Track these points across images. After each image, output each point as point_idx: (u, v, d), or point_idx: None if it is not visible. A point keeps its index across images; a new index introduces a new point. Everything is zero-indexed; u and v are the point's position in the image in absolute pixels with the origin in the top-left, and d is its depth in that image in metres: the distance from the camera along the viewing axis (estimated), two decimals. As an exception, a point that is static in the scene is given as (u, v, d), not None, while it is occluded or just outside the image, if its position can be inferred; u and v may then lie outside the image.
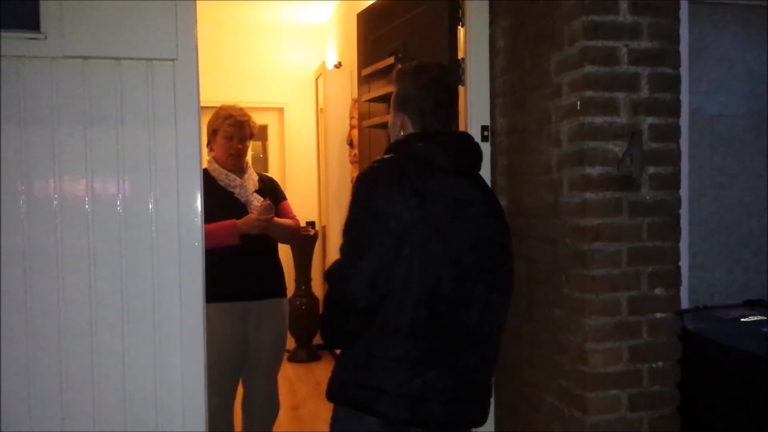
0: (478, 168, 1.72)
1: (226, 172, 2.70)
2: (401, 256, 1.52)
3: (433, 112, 1.69)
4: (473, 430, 1.71)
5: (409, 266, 1.52)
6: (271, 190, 2.86)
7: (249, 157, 2.90)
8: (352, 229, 1.59)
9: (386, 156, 1.66)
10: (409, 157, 1.62)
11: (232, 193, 2.70)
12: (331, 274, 1.60)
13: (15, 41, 1.77)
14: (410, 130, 1.71)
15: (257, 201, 2.71)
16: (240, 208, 2.68)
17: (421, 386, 1.54)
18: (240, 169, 2.77)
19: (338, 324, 1.61)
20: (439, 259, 1.55)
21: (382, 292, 1.53)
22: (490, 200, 1.70)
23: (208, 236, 2.37)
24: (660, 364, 1.82)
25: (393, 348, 1.55)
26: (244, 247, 2.60)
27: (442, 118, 1.70)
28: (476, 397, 1.65)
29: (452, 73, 1.79)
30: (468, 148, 1.70)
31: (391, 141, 1.75)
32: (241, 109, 2.77)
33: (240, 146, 2.74)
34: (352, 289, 1.54)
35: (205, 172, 2.66)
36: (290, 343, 5.26)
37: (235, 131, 2.71)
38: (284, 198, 2.94)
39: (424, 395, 1.54)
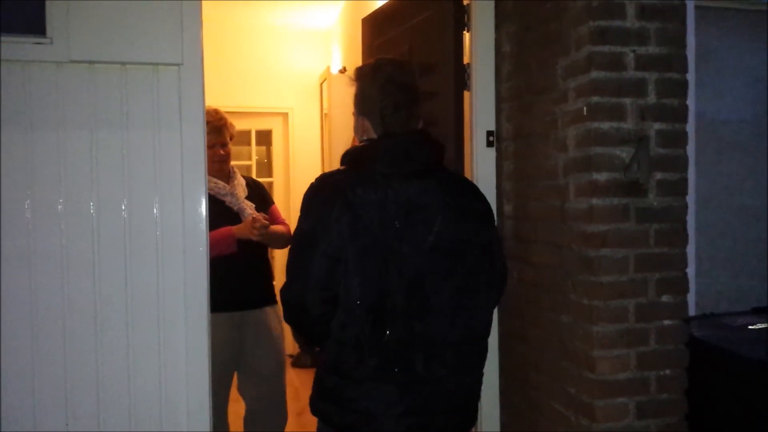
0: (435, 167, 1.64)
1: (214, 180, 2.63)
2: (337, 275, 1.51)
3: (392, 114, 1.64)
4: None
5: (347, 284, 1.51)
6: (259, 194, 2.83)
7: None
8: (289, 251, 1.64)
9: (328, 171, 1.66)
10: (352, 167, 1.61)
11: (223, 202, 2.64)
12: (280, 293, 1.66)
13: (21, 46, 1.77)
14: (372, 133, 1.67)
15: (250, 208, 2.68)
16: (233, 217, 2.64)
17: (369, 402, 1.52)
18: (226, 175, 2.73)
19: (295, 333, 1.69)
20: (381, 273, 1.51)
21: (318, 311, 1.54)
22: (451, 200, 1.62)
23: None
24: (667, 371, 1.81)
25: (341, 363, 1.55)
26: (238, 255, 2.57)
27: (401, 119, 1.64)
28: (442, 408, 1.58)
29: (411, 70, 1.74)
30: (418, 150, 1.62)
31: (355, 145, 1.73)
32: (216, 112, 2.70)
33: (223, 152, 2.69)
34: (288, 309, 1.61)
35: None
36: (294, 348, 5.25)
37: (215, 138, 2.65)
38: (272, 202, 2.90)
39: (373, 411, 1.52)
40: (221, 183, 2.67)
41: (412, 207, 1.56)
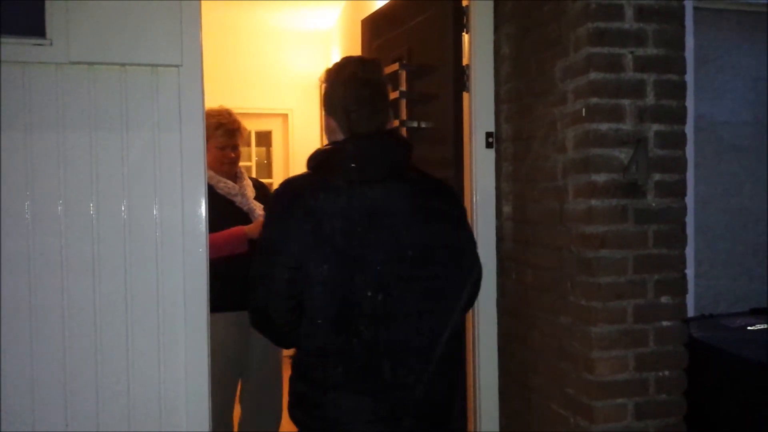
0: (403, 170, 1.61)
1: (224, 180, 2.65)
2: (300, 284, 1.50)
3: (356, 110, 1.60)
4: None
5: (310, 292, 1.49)
6: (264, 195, 2.83)
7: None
8: (253, 258, 1.61)
9: (293, 176, 1.64)
10: (315, 172, 1.59)
11: (233, 202, 2.65)
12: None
13: (21, 47, 1.78)
14: (338, 133, 1.63)
15: (259, 209, 2.69)
16: (243, 217, 2.64)
17: (337, 409, 1.51)
18: (234, 176, 2.73)
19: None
20: (345, 280, 1.49)
21: (282, 320, 1.54)
22: (419, 203, 1.58)
23: (218, 246, 2.32)
24: (666, 372, 1.81)
25: (309, 371, 1.55)
26: (246, 255, 2.58)
27: (365, 115, 1.60)
28: (411, 413, 1.55)
29: (376, 67, 1.71)
30: (384, 153, 1.59)
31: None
32: (229, 114, 2.69)
33: (233, 154, 2.70)
34: (253, 316, 1.61)
35: None
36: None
37: (227, 140, 2.65)
38: None
39: (341, 418, 1.51)
40: (231, 183, 2.68)
41: (377, 212, 1.53)
